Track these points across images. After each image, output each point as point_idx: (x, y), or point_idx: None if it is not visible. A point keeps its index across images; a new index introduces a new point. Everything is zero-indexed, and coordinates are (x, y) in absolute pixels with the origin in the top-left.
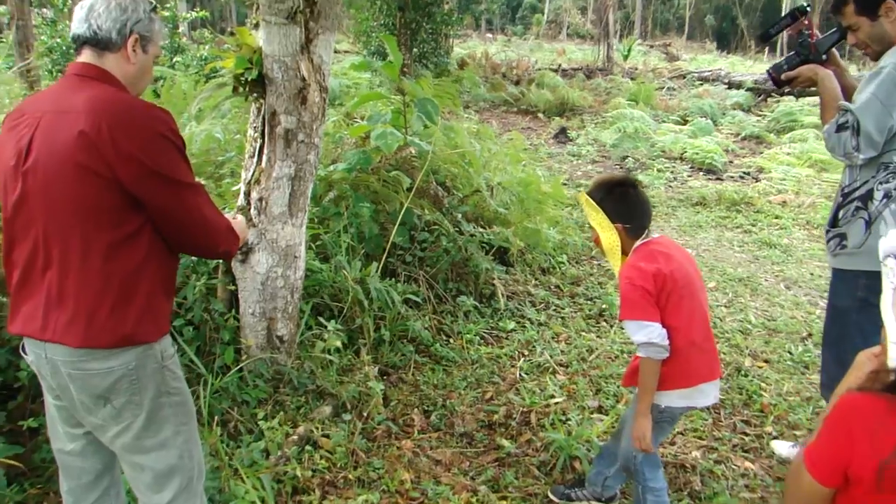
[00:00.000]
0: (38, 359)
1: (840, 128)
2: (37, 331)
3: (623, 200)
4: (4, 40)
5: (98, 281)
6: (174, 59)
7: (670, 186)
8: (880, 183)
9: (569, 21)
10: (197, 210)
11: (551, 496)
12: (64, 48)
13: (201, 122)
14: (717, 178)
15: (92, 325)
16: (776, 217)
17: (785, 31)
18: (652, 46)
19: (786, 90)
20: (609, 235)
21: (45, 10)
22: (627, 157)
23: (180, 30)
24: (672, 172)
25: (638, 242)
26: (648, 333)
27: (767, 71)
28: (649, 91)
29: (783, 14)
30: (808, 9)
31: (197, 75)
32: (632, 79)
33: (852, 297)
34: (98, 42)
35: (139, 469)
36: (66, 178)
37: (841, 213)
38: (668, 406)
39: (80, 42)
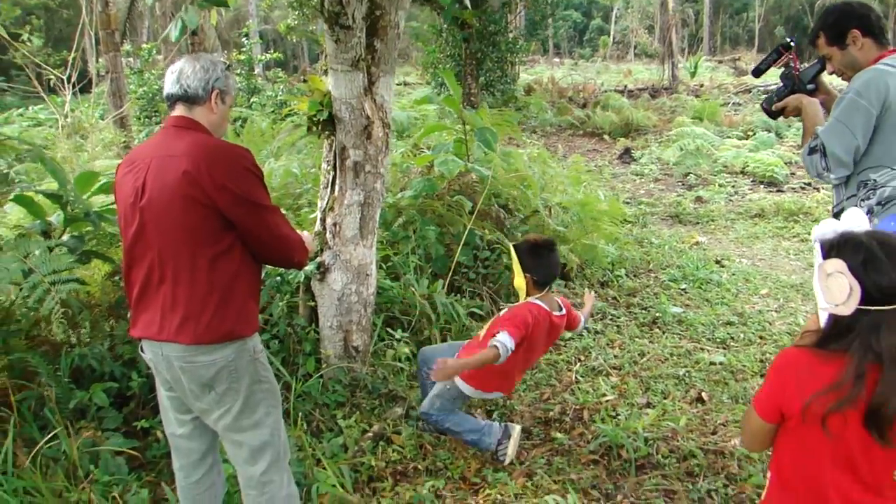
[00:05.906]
0: (155, 356)
1: (811, 151)
2: (155, 333)
3: (535, 257)
4: (97, 91)
5: (204, 288)
6: (251, 100)
7: (731, 200)
8: (861, 200)
9: (636, 41)
10: (276, 227)
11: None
12: (150, 95)
13: (279, 158)
14: (778, 191)
15: (199, 324)
16: None
17: (774, 66)
18: (721, 62)
19: (780, 119)
20: (519, 280)
21: (130, 59)
22: (689, 173)
23: (256, 71)
24: (733, 187)
25: (538, 294)
26: (511, 344)
27: (761, 104)
28: (714, 108)
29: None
30: (792, 44)
31: (273, 114)
32: (696, 96)
33: None
34: (188, 98)
35: (238, 445)
36: (175, 208)
37: None
38: (467, 395)
39: (174, 99)
